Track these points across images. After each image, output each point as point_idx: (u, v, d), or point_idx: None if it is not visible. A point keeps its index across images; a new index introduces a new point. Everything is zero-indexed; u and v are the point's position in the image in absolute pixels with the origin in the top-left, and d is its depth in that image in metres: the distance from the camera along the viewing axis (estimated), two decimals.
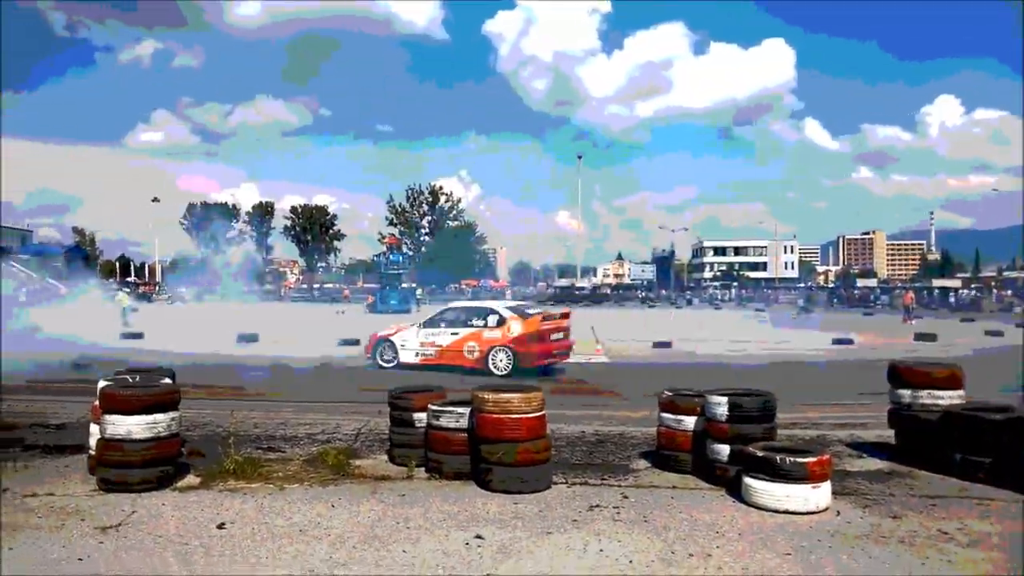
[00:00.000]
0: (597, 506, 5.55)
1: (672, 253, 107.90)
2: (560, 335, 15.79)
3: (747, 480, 5.48)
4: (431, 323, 16.13)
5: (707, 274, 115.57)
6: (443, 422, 6.36)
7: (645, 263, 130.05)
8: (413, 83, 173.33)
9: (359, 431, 8.56)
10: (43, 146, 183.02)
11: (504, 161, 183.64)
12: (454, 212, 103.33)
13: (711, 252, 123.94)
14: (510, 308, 16.15)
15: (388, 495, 5.89)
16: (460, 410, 6.33)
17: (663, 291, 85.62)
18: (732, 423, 5.99)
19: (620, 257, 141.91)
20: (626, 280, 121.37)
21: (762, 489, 5.34)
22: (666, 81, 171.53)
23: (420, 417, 6.69)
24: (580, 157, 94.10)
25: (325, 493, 5.98)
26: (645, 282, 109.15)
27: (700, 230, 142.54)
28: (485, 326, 15.29)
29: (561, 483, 6.17)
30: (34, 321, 27.44)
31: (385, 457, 7.13)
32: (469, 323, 15.58)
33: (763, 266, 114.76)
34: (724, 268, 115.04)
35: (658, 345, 20.73)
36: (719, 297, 74.77)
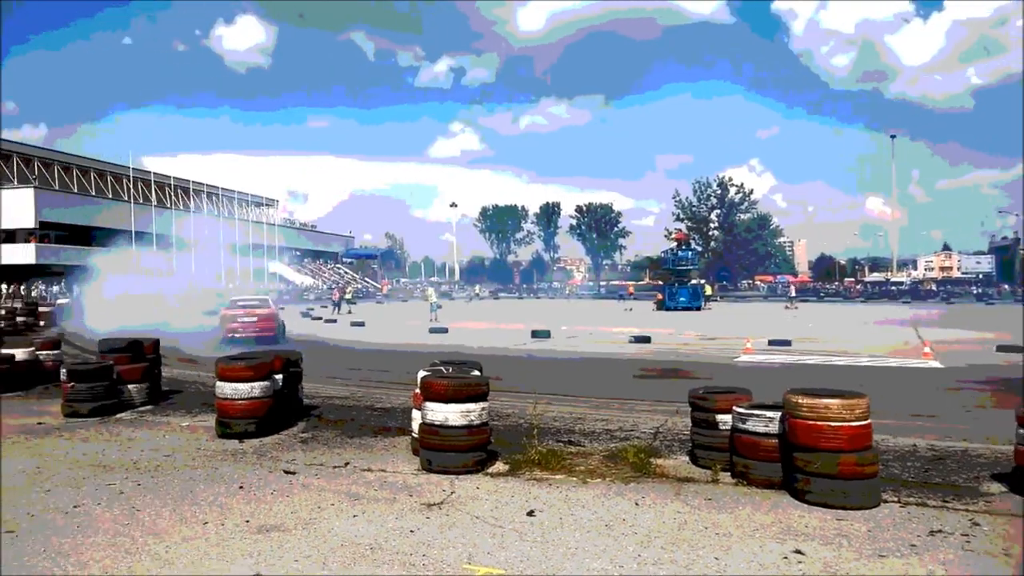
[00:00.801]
0: (939, 531, 4.87)
1: (1017, 241, 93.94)
2: (251, 319, 21.41)
3: None
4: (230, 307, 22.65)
5: None
6: (750, 426, 6.02)
7: (980, 253, 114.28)
8: (699, 71, 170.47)
9: (657, 430, 8.45)
10: (356, 161, 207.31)
11: (801, 146, 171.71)
12: (745, 204, 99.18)
13: None
14: (232, 299, 23.62)
15: (693, 498, 5.71)
16: (770, 414, 5.95)
17: (1005, 286, 74.23)
18: None
19: (947, 248, 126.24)
20: (955, 274, 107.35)
21: None
22: (999, 40, 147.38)
23: (724, 419, 6.40)
24: (893, 137, 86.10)
25: (628, 490, 5.95)
26: (980, 276, 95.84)
27: None
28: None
29: (892, 501, 5.52)
30: (359, 317, 31.21)
31: (686, 458, 6.93)
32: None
33: None
34: None
35: (1004, 348, 17.42)
36: None
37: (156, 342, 11.26)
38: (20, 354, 11.94)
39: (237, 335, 20.58)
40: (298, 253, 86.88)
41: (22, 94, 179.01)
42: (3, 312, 15.85)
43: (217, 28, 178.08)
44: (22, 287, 33.01)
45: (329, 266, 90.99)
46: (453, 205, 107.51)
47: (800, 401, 5.48)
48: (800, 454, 5.50)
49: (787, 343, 18.94)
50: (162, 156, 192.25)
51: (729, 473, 6.22)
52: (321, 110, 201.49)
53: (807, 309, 42.64)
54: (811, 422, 5.40)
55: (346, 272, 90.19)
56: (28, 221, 49.98)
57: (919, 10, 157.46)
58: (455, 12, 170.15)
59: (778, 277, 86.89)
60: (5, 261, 43.03)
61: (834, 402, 5.39)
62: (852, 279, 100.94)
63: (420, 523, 5.14)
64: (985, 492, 5.82)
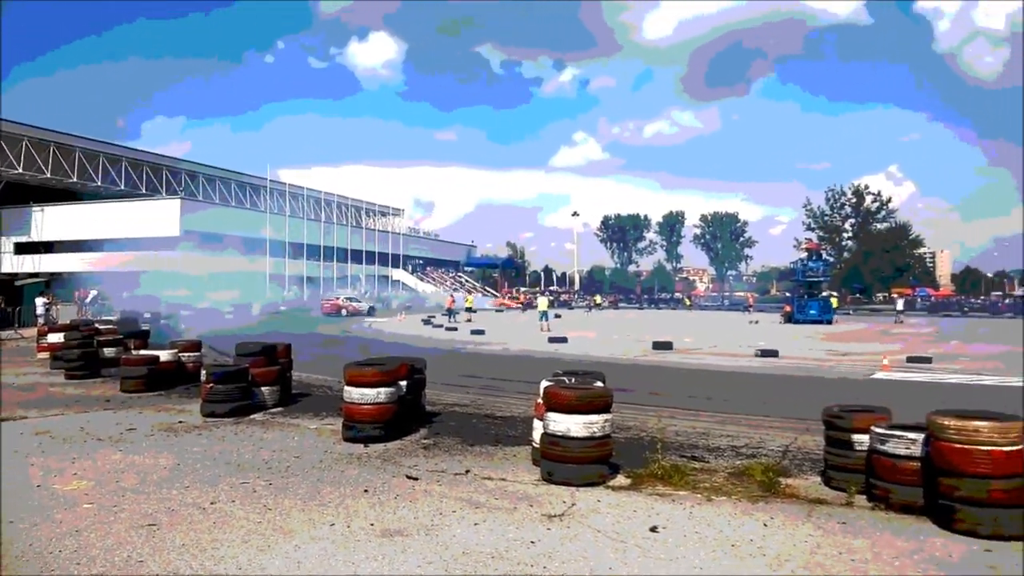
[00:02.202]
0: None
1: None
2: (348, 308, 48.46)
3: None
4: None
5: None
6: (889, 447, 5.68)
7: None
8: (831, 76, 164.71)
9: (786, 448, 8.10)
10: (481, 172, 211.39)
11: (946, 152, 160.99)
12: (883, 213, 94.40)
13: None
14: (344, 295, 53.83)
15: (826, 521, 5.42)
16: (911, 435, 5.59)
17: None
18: None
19: None
20: None
21: None
22: None
23: (860, 439, 6.08)
24: None
25: (755, 510, 5.72)
26: None
27: None
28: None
29: None
30: (480, 326, 31.67)
31: (817, 478, 6.62)
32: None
33: None
34: None
35: None
36: None
37: (288, 346, 11.77)
38: (164, 356, 12.76)
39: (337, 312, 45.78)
40: (420, 262, 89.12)
41: (176, 110, 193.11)
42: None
43: (351, 45, 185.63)
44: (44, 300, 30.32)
45: (451, 275, 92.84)
46: (575, 214, 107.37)
47: (947, 423, 5.11)
48: (946, 479, 5.13)
49: (928, 360, 17.80)
50: (297, 168, 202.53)
51: (865, 496, 5.89)
52: (449, 122, 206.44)
53: (943, 324, 39.96)
54: (959, 445, 5.04)
55: (467, 280, 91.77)
56: (174, 230, 53.53)
57: None
58: (580, 21, 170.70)
59: (917, 290, 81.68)
60: (153, 268, 46.20)
61: (985, 424, 5.00)
62: (999, 293, 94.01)
63: (541, 534, 5.10)
64: None
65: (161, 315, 27.88)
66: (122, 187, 58.15)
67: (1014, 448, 4.98)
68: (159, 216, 54.16)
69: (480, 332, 28.98)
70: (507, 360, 19.71)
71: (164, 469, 6.95)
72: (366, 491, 6.20)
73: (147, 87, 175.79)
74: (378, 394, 8.15)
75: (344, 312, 48.16)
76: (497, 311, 58.22)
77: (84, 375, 13.94)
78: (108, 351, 14.80)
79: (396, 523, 5.33)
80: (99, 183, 56.06)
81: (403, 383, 8.71)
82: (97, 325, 17.30)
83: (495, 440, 8.46)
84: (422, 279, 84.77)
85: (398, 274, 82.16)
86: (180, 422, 9.46)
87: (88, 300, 31.59)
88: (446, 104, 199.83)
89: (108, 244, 51.00)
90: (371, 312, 48.67)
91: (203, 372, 10.29)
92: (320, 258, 69.19)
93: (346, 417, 8.33)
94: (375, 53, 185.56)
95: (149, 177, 61.29)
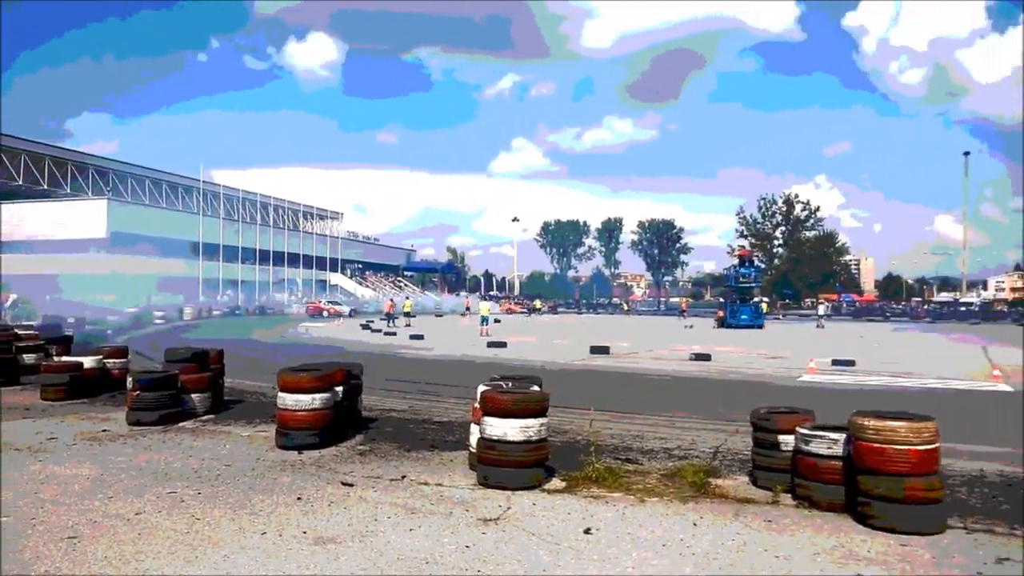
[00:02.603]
0: (1007, 559, 4.69)
1: None
2: (329, 310, 55.93)
3: None
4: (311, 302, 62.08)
5: None
6: (813, 447, 5.87)
7: None
8: (764, 88, 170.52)
9: (717, 449, 8.29)
10: (421, 175, 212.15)
11: (870, 164, 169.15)
12: (811, 221, 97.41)
13: None
14: (327, 300, 62.48)
15: (753, 520, 5.58)
16: (833, 436, 5.79)
17: None
18: None
19: (1019, 268, 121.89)
20: None
21: None
22: None
23: (786, 440, 6.26)
24: (967, 154, 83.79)
25: (686, 510, 5.85)
26: None
27: None
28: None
29: (958, 528, 5.33)
30: (419, 331, 31.52)
31: (746, 478, 6.79)
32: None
33: None
34: None
35: None
36: None
37: (220, 352, 11.50)
38: (88, 362, 12.30)
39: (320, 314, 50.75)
40: (359, 266, 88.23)
41: (104, 108, 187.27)
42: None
43: (289, 45, 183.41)
44: None
45: (390, 279, 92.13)
46: (515, 220, 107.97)
47: (866, 423, 5.31)
48: (864, 477, 5.34)
49: (851, 363, 18.43)
50: (232, 170, 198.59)
51: (790, 495, 6.08)
52: (388, 124, 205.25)
53: (870, 330, 41.43)
54: (877, 445, 5.25)
55: (407, 285, 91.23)
56: (100, 231, 51.79)
57: (995, 25, 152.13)
58: (520, 29, 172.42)
59: (843, 295, 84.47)
60: (82, 271, 44.56)
61: (901, 424, 5.22)
62: (919, 299, 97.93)
63: (476, 539, 5.12)
64: None
65: (86, 320, 26.98)
66: (45, 186, 56.04)
67: (928, 447, 5.21)
68: (85, 217, 52.39)
69: (419, 337, 28.85)
70: (446, 365, 19.68)
71: (86, 480, 6.73)
72: (299, 499, 6.12)
73: (75, 85, 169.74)
74: (313, 400, 8.04)
75: (326, 313, 54.71)
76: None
77: (2, 383, 13.37)
78: (28, 357, 14.24)
79: (330, 530, 5.28)
80: (20, 182, 53.92)
81: (339, 389, 8.61)
82: (16, 330, 16.63)
83: (432, 445, 8.43)
84: (361, 283, 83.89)
85: (336, 278, 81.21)
86: (104, 431, 9.17)
87: (7, 304, 30.33)
88: (385, 107, 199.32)
89: (20, 245, 49.12)
90: (352, 315, 53.66)
91: (129, 379, 9.97)
92: (255, 261, 67.87)
93: (280, 424, 8.19)
94: (314, 54, 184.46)
95: (74, 176, 59.20)
